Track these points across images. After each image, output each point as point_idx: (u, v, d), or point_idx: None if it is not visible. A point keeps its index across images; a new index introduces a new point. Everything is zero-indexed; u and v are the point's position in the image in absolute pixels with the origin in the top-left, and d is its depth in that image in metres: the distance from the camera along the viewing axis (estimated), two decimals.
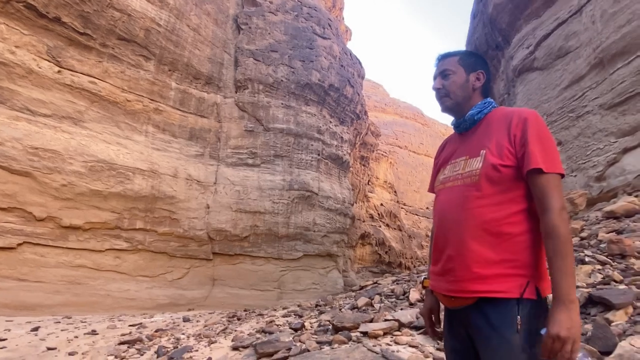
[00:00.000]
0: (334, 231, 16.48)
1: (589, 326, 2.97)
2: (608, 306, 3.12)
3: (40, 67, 10.14)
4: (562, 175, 1.30)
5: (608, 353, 2.60)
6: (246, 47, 15.64)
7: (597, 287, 3.56)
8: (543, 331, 1.18)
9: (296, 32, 17.01)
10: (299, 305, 9.90)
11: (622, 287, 3.46)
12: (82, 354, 5.64)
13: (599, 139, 8.12)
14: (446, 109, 1.57)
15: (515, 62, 11.30)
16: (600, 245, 4.72)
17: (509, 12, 11.55)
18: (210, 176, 13.87)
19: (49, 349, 5.85)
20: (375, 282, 9.85)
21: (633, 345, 2.54)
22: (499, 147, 1.35)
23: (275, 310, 9.71)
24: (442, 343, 3.50)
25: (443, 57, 1.60)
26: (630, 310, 3.06)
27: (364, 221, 24.40)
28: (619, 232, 5.06)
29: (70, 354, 5.62)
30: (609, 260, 4.16)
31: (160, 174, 12.26)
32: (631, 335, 2.72)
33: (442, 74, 1.56)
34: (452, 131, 1.73)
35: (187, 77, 13.73)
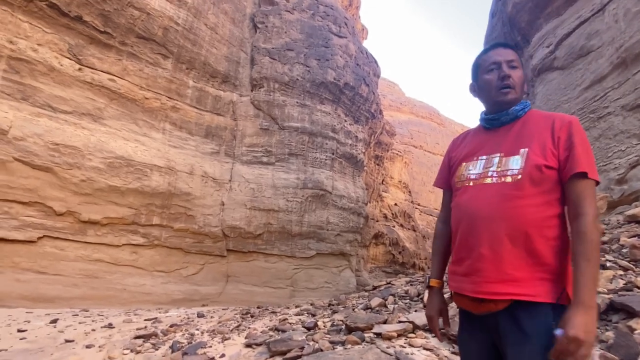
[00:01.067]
0: (347, 230, 16.44)
1: (610, 333, 2.90)
2: (631, 313, 3.04)
3: (61, 65, 10.35)
4: (597, 184, 1.29)
5: None
6: (262, 46, 15.70)
7: (619, 293, 3.46)
8: (558, 332, 1.15)
9: (312, 31, 16.99)
10: (311, 304, 9.89)
11: None
12: (99, 347, 5.74)
13: (621, 140, 7.92)
14: (507, 101, 1.44)
15: (534, 62, 11.09)
16: (622, 250, 4.60)
17: (529, 10, 11.33)
18: (225, 174, 13.98)
19: (67, 341, 5.97)
20: (389, 283, 9.78)
21: None
22: (542, 148, 1.32)
23: (288, 308, 9.73)
24: (457, 347, 3.46)
25: (507, 47, 1.51)
26: None
27: (377, 221, 24.30)
28: None
29: (88, 346, 5.72)
30: (632, 266, 4.05)
31: (177, 171, 12.41)
32: None
33: (509, 63, 1.46)
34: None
35: (204, 75, 13.85)
